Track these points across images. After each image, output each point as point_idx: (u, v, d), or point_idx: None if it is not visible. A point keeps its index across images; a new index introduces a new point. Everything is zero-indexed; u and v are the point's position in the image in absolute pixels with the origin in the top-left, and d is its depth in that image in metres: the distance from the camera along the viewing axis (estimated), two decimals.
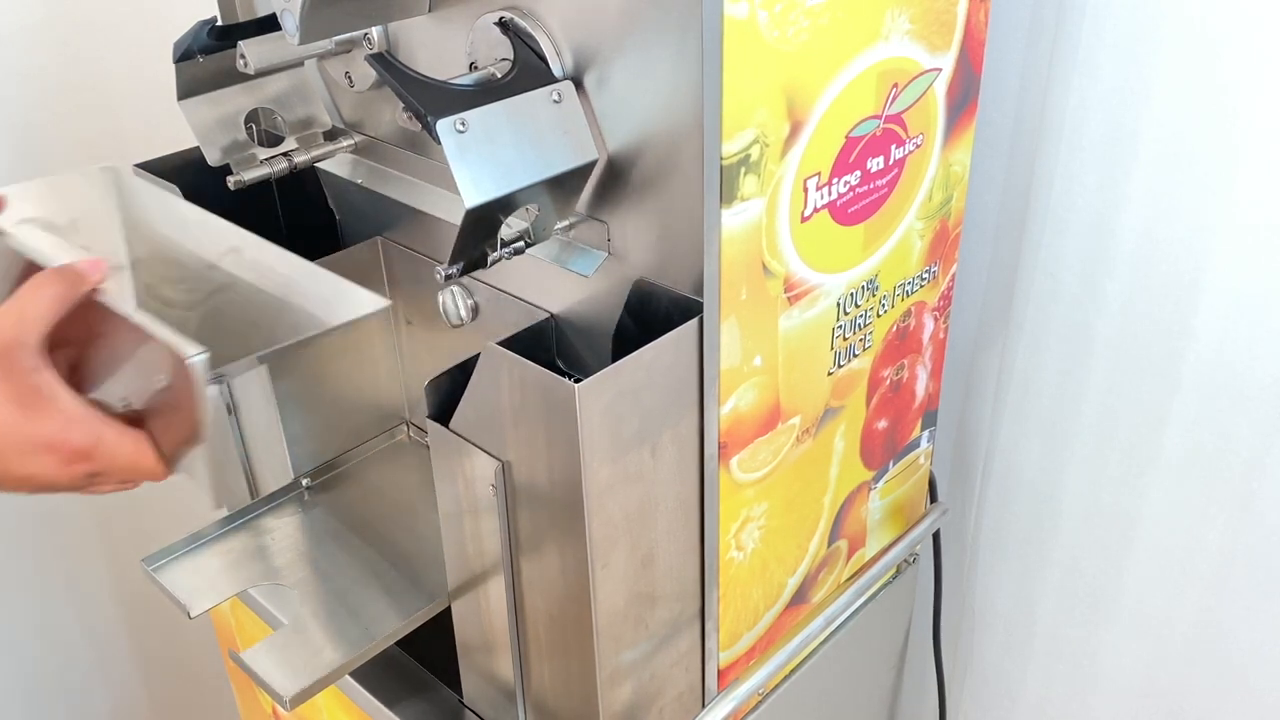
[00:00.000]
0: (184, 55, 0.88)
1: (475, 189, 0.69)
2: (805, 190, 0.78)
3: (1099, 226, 1.04)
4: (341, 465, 1.14)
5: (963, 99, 0.91)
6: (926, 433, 1.10)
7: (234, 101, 0.94)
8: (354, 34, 0.90)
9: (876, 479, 1.04)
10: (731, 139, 0.70)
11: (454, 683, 0.98)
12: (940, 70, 0.86)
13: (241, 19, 0.94)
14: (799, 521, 0.96)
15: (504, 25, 0.77)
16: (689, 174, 0.71)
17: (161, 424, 0.68)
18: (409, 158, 0.96)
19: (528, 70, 0.75)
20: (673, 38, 0.68)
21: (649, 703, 0.88)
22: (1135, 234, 1.01)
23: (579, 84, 0.75)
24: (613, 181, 0.77)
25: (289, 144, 0.98)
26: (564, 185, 0.75)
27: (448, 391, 0.81)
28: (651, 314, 0.78)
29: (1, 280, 0.71)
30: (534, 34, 0.75)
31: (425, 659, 1.02)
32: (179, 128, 0.93)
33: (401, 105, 0.89)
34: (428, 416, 0.82)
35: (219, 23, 0.90)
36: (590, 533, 0.74)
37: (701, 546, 0.85)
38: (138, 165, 1.01)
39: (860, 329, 0.91)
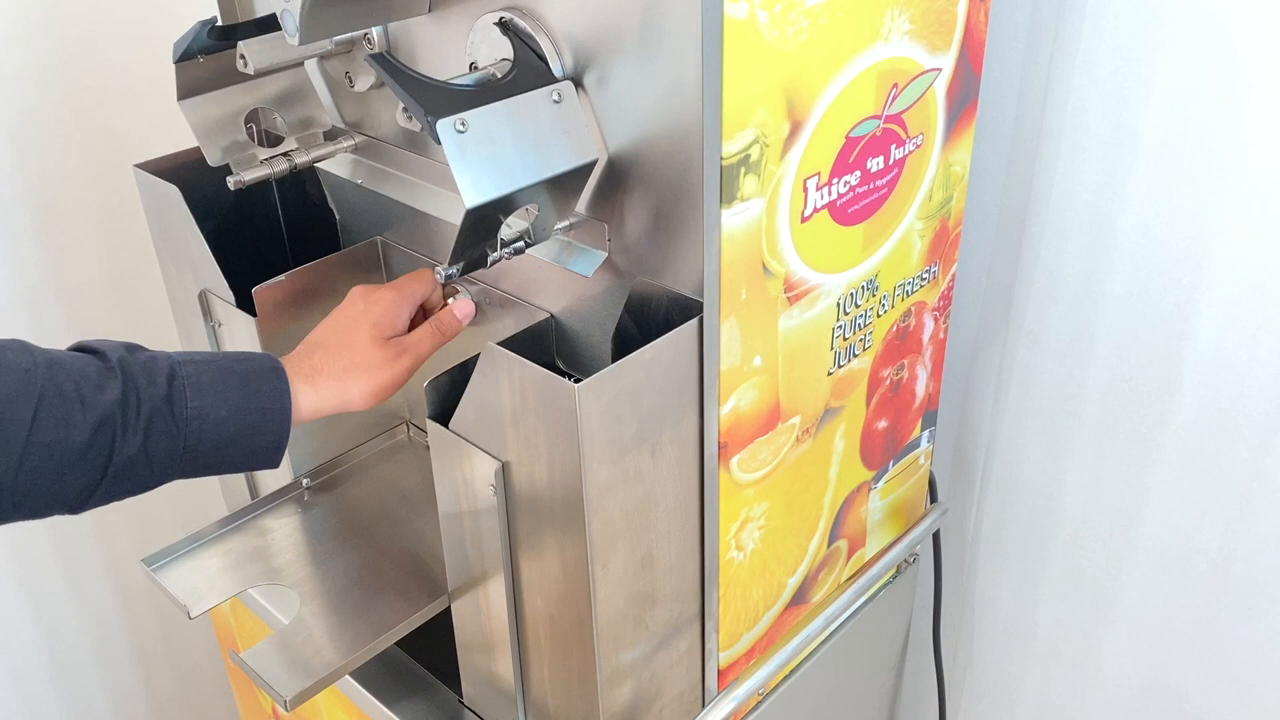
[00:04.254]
0: (184, 55, 0.88)
1: (475, 189, 0.69)
2: (805, 190, 0.78)
3: (1099, 226, 1.04)
4: (341, 465, 1.14)
5: (963, 99, 0.91)
6: (926, 433, 1.10)
7: (234, 101, 0.94)
8: (354, 34, 0.90)
9: (876, 479, 1.04)
10: (731, 139, 0.70)
11: (454, 683, 0.98)
12: (940, 70, 0.86)
13: (241, 19, 0.94)
14: (799, 521, 0.96)
15: (504, 25, 0.77)
16: (689, 174, 0.71)
17: None
18: (409, 158, 0.96)
19: (528, 70, 0.75)
20: (673, 38, 0.68)
21: (649, 703, 0.88)
22: (1135, 234, 1.01)
23: (579, 84, 0.75)
24: (613, 181, 0.77)
25: (289, 144, 0.98)
26: (564, 185, 0.75)
27: (448, 391, 0.81)
28: (651, 314, 0.78)
29: None
30: (534, 34, 0.75)
31: (425, 659, 1.02)
32: (179, 128, 0.93)
33: (401, 105, 0.90)
34: (428, 416, 0.82)
35: (219, 23, 0.90)
36: (590, 533, 0.74)
37: (701, 546, 0.85)
38: (138, 165, 1.01)
39: (860, 329, 0.91)
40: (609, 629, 0.80)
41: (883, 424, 1.01)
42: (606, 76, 0.74)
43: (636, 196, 0.76)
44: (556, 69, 0.76)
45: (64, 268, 1.37)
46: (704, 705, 0.95)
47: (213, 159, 0.94)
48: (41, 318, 1.36)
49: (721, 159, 0.70)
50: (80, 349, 0.74)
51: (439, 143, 0.68)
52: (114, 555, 1.51)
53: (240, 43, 0.86)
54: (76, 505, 0.72)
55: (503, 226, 0.75)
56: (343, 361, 0.84)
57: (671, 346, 0.74)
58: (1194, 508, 1.07)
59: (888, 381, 0.99)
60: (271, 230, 1.09)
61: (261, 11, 0.94)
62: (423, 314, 0.92)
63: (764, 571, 0.94)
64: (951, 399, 1.26)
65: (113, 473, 0.71)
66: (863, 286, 0.89)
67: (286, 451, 1.07)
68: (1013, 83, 1.07)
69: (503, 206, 0.72)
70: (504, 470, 0.78)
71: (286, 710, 0.87)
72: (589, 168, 0.75)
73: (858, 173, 0.83)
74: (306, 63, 0.95)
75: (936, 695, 1.32)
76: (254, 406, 0.77)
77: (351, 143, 0.99)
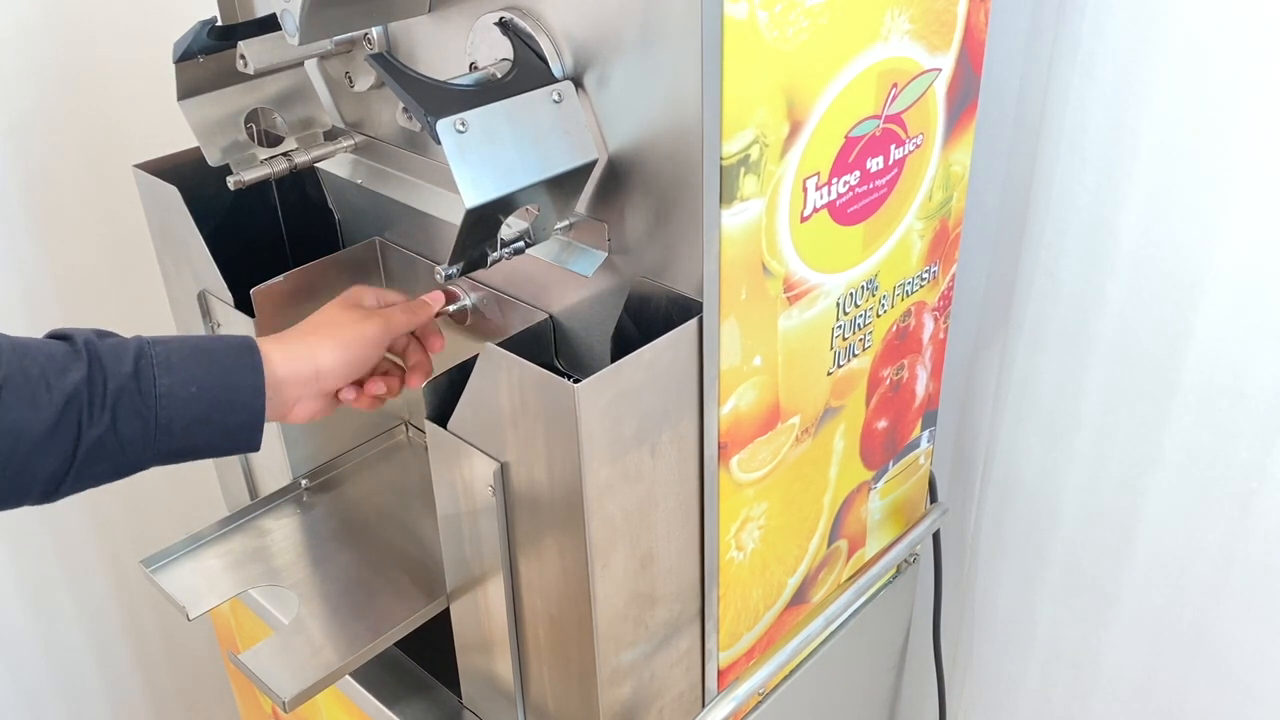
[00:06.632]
0: (184, 55, 0.88)
1: (475, 189, 0.69)
2: (805, 190, 0.78)
3: (1099, 226, 1.04)
4: (341, 465, 1.14)
5: (963, 99, 0.91)
6: (926, 433, 1.10)
7: (234, 101, 0.94)
8: (354, 34, 0.90)
9: (876, 479, 1.04)
10: (731, 139, 0.70)
11: (454, 683, 0.98)
12: (940, 70, 0.86)
13: (241, 19, 0.94)
14: (799, 521, 0.96)
15: (504, 25, 0.77)
16: (689, 174, 0.71)
17: None
18: (409, 158, 0.96)
19: (528, 70, 0.75)
20: (673, 38, 0.68)
21: (649, 703, 0.88)
22: (1135, 234, 1.01)
23: (579, 84, 0.75)
24: (613, 181, 0.77)
25: (289, 144, 0.98)
26: (564, 185, 0.75)
27: (447, 392, 0.81)
28: (651, 314, 0.78)
29: None
30: (534, 34, 0.75)
31: (425, 659, 1.02)
32: (179, 128, 0.93)
33: (401, 105, 0.90)
34: (427, 417, 0.82)
35: (219, 23, 0.90)
36: (590, 533, 0.74)
37: (701, 546, 0.85)
38: (138, 165, 1.01)
39: (860, 329, 0.91)
40: (609, 629, 0.80)
41: (882, 424, 1.01)
42: (606, 76, 0.74)
43: (636, 196, 0.76)
44: (556, 69, 0.76)
45: (64, 267, 1.37)
46: (704, 705, 0.95)
47: (213, 159, 0.94)
48: (40, 318, 1.36)
49: (721, 159, 0.70)
50: (49, 335, 0.74)
51: (439, 143, 0.68)
52: (114, 555, 1.51)
53: (240, 43, 0.86)
54: (48, 492, 0.71)
55: (503, 226, 0.75)
56: (310, 323, 0.85)
57: (671, 346, 0.74)
58: (1194, 508, 1.07)
59: (888, 381, 0.99)
60: (271, 230, 1.09)
61: (261, 11, 0.94)
62: (416, 340, 0.93)
63: (764, 571, 0.94)
64: (951, 399, 1.26)
65: (82, 455, 0.70)
66: (862, 286, 0.89)
67: (286, 452, 1.08)
68: (1013, 83, 1.07)
69: (503, 206, 0.72)
70: (503, 471, 0.78)
71: (286, 711, 0.87)
72: (589, 168, 0.75)
73: (857, 173, 0.83)
74: (306, 63, 0.95)
75: (936, 695, 1.32)
76: (225, 383, 0.75)
77: (351, 143, 0.99)
